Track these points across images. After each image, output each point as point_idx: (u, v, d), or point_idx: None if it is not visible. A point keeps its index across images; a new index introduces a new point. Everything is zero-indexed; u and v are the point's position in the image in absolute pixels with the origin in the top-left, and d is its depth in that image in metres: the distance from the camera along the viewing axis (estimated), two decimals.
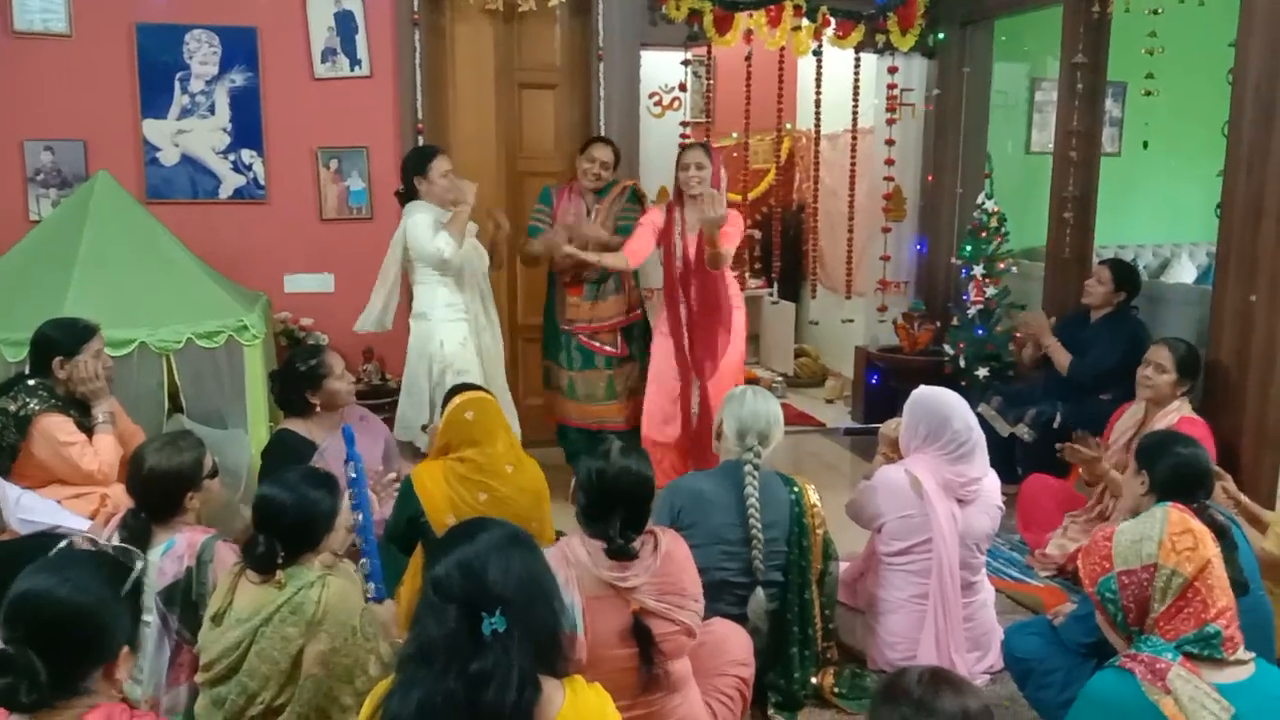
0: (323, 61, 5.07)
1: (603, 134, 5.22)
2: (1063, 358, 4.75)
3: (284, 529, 2.48)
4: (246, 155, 5.04)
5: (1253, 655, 2.05)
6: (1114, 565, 2.08)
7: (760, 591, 2.98)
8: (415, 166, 4.33)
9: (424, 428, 4.10)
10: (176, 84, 4.93)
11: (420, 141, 5.17)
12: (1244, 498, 3.41)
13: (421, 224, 4.20)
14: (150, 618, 2.69)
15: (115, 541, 2.74)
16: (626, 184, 4.95)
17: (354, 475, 2.59)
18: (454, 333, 4.24)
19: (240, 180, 5.06)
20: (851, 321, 6.31)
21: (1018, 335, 5.23)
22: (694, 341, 4.54)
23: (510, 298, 5.56)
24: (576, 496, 2.54)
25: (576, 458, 5.02)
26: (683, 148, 4.89)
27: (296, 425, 3.70)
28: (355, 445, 3.11)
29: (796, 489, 3.09)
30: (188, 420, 3.87)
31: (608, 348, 4.80)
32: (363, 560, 2.54)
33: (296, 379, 3.70)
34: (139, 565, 2.09)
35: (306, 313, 5.08)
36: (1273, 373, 4.02)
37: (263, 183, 5.08)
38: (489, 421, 3.32)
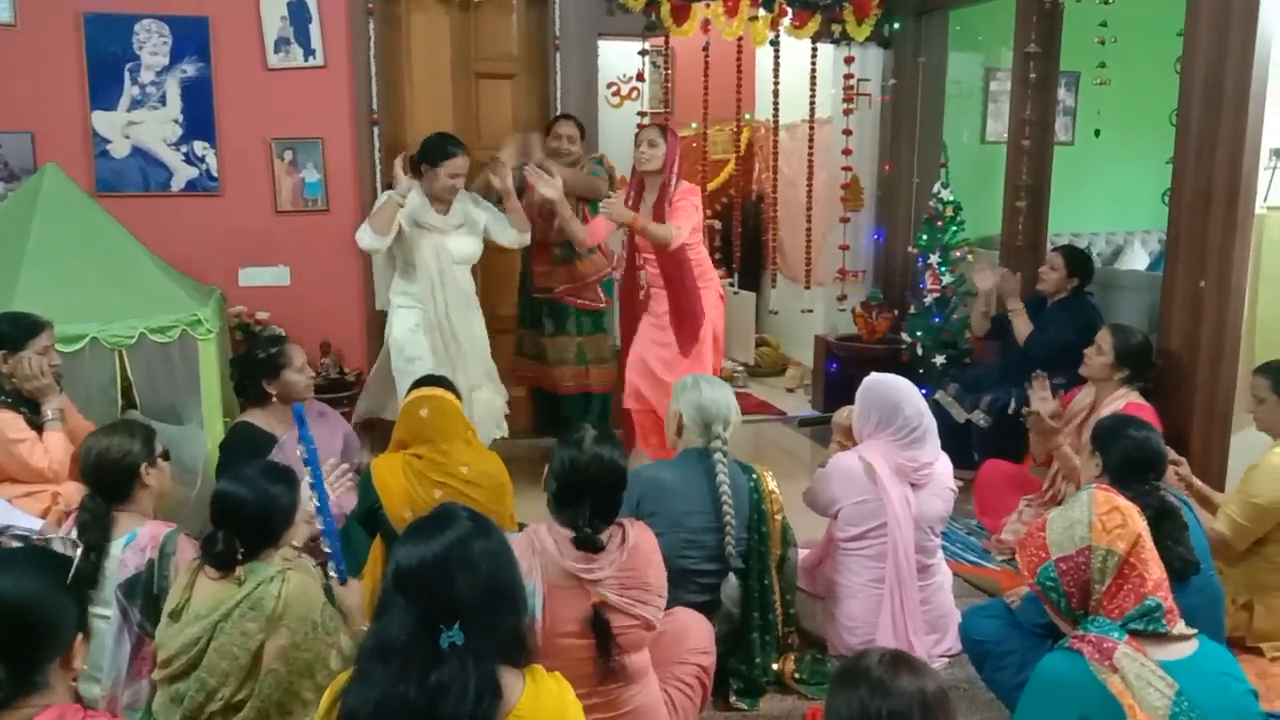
0: (276, 51, 5.03)
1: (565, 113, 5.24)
2: (1024, 326, 4.82)
3: (242, 524, 2.48)
4: (199, 147, 5.00)
5: (1195, 632, 2.11)
6: (1050, 553, 2.14)
7: (733, 577, 3.02)
8: (428, 154, 4.31)
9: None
10: (126, 75, 4.87)
11: (376, 133, 5.15)
12: (1195, 480, 3.50)
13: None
14: (110, 611, 2.68)
15: (73, 534, 2.73)
16: (589, 158, 5.03)
17: (307, 458, 2.59)
18: (403, 319, 4.32)
19: (193, 172, 5.01)
20: (811, 311, 6.37)
21: (972, 282, 5.22)
22: (672, 318, 4.48)
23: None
24: (548, 483, 2.56)
25: (551, 421, 5.23)
26: (641, 126, 4.95)
27: (256, 417, 3.69)
28: (306, 426, 3.10)
29: (754, 476, 3.13)
30: (142, 417, 3.84)
31: (596, 303, 4.97)
32: (323, 539, 2.54)
33: (255, 366, 3.71)
34: (78, 553, 2.08)
35: (262, 306, 5.05)
36: (1221, 357, 4.12)
37: (216, 175, 5.03)
38: (444, 423, 3.31)
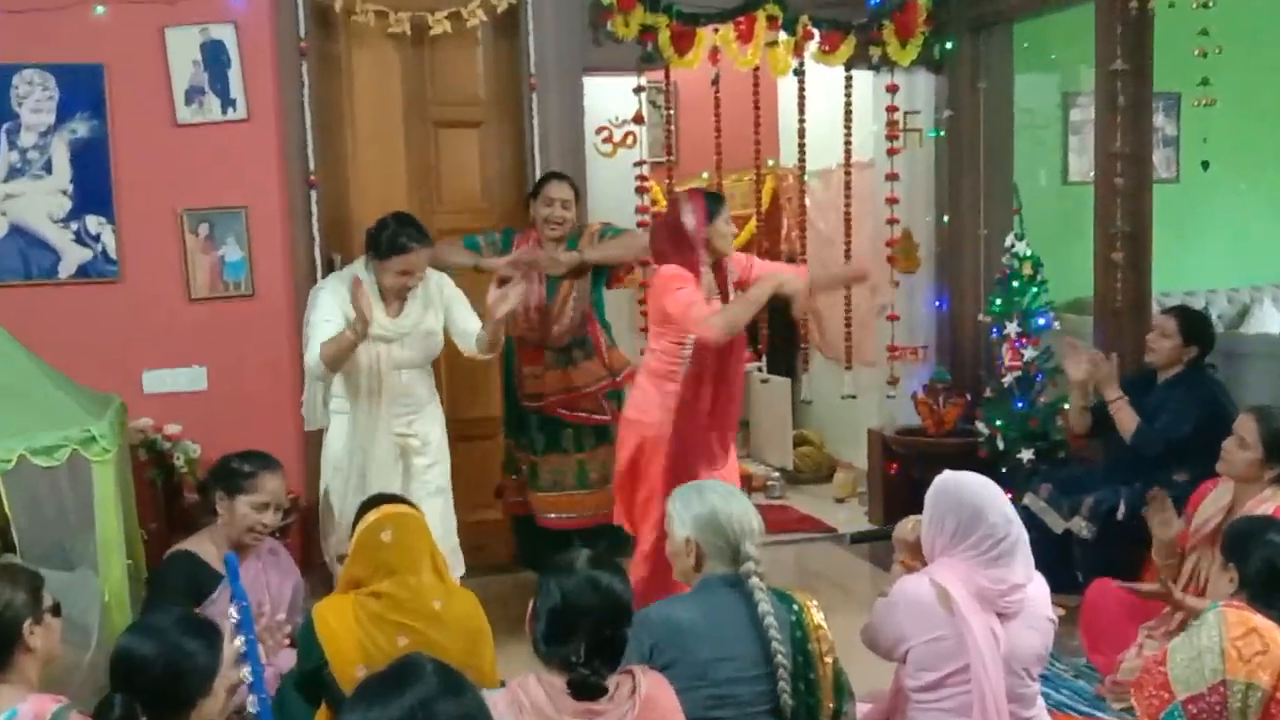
0: (187, 103, 5.14)
1: (539, 175, 5.31)
2: (1129, 420, 4.81)
3: (147, 689, 2.45)
4: (93, 223, 5.07)
5: None
6: (1175, 693, 2.11)
7: None
8: (375, 246, 4.31)
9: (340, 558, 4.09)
10: (3, 137, 4.98)
11: (313, 199, 5.23)
12: None
13: (322, 302, 4.27)
14: None
15: None
16: (595, 227, 5.08)
17: (238, 617, 2.58)
18: (337, 428, 4.38)
19: (85, 255, 5.08)
20: (854, 397, 6.39)
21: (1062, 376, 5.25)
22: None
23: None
24: (533, 622, 2.53)
25: (536, 562, 5.13)
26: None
27: (201, 547, 3.69)
28: (240, 580, 3.11)
29: (797, 607, 3.09)
30: (22, 561, 3.82)
31: (596, 416, 4.97)
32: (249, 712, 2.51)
33: (220, 474, 3.78)
34: None
35: (173, 418, 5.07)
36: None
37: (114, 256, 5.10)
38: (411, 543, 3.31)
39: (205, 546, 3.74)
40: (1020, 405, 5.53)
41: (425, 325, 4.39)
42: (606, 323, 5.15)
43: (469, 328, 4.48)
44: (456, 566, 4.42)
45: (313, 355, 4.20)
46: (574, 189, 5.03)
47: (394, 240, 4.28)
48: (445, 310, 4.48)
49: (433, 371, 4.57)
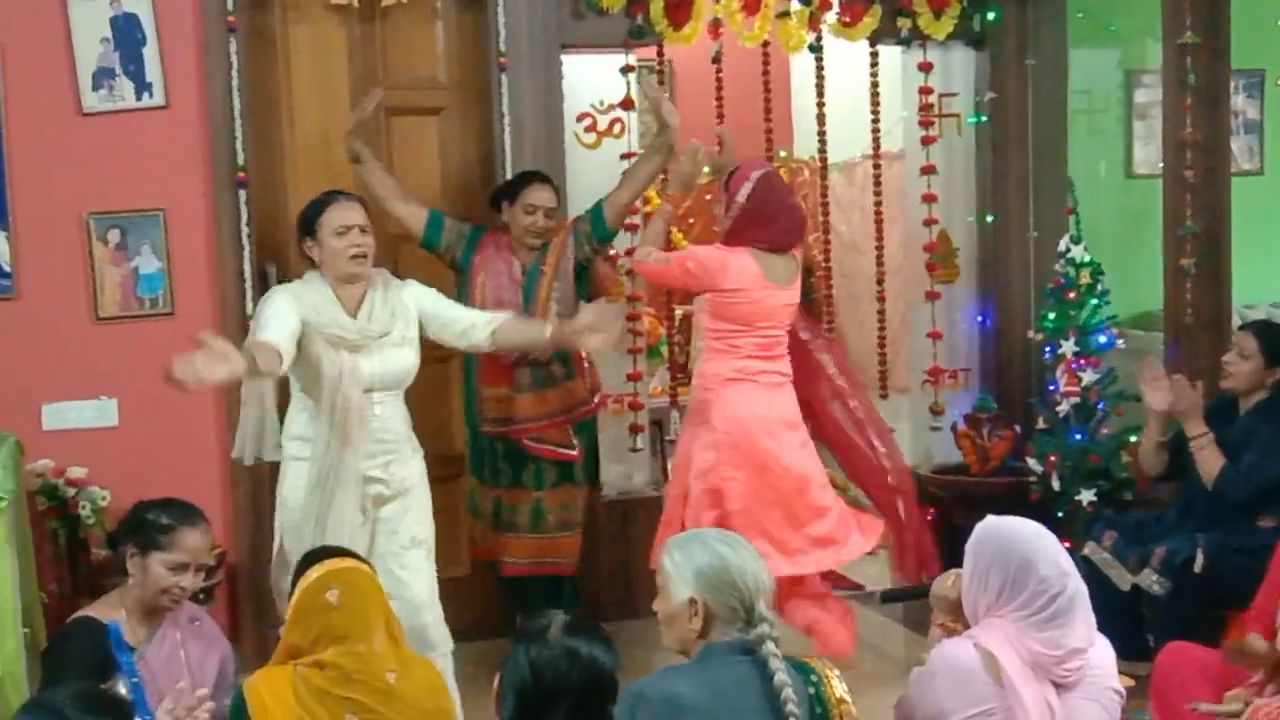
0: (95, 88, 5.14)
1: (511, 170, 5.38)
2: (1213, 462, 4.80)
3: None
4: None
5: None
6: None
7: None
8: (303, 221, 4.33)
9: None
10: None
11: (243, 200, 5.24)
12: None
13: (276, 300, 4.22)
14: None
15: None
16: (564, 226, 5.15)
17: (127, 694, 2.58)
18: (295, 475, 4.30)
19: None
20: (892, 431, 6.38)
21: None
22: None
23: None
24: (499, 702, 2.53)
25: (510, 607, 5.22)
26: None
27: (108, 612, 3.67)
28: (127, 652, 3.10)
29: (815, 678, 3.09)
30: None
31: (563, 450, 5.00)
32: None
33: (132, 525, 3.73)
34: None
35: (77, 458, 5.05)
36: None
37: (7, 269, 5.10)
38: (361, 604, 3.30)
39: (113, 612, 3.72)
40: (1078, 438, 5.54)
41: (396, 333, 4.31)
42: None
43: (465, 315, 4.45)
44: (440, 641, 4.36)
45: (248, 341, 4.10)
46: (557, 192, 5.08)
47: (319, 202, 4.29)
48: (423, 317, 4.39)
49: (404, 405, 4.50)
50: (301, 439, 4.30)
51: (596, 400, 5.18)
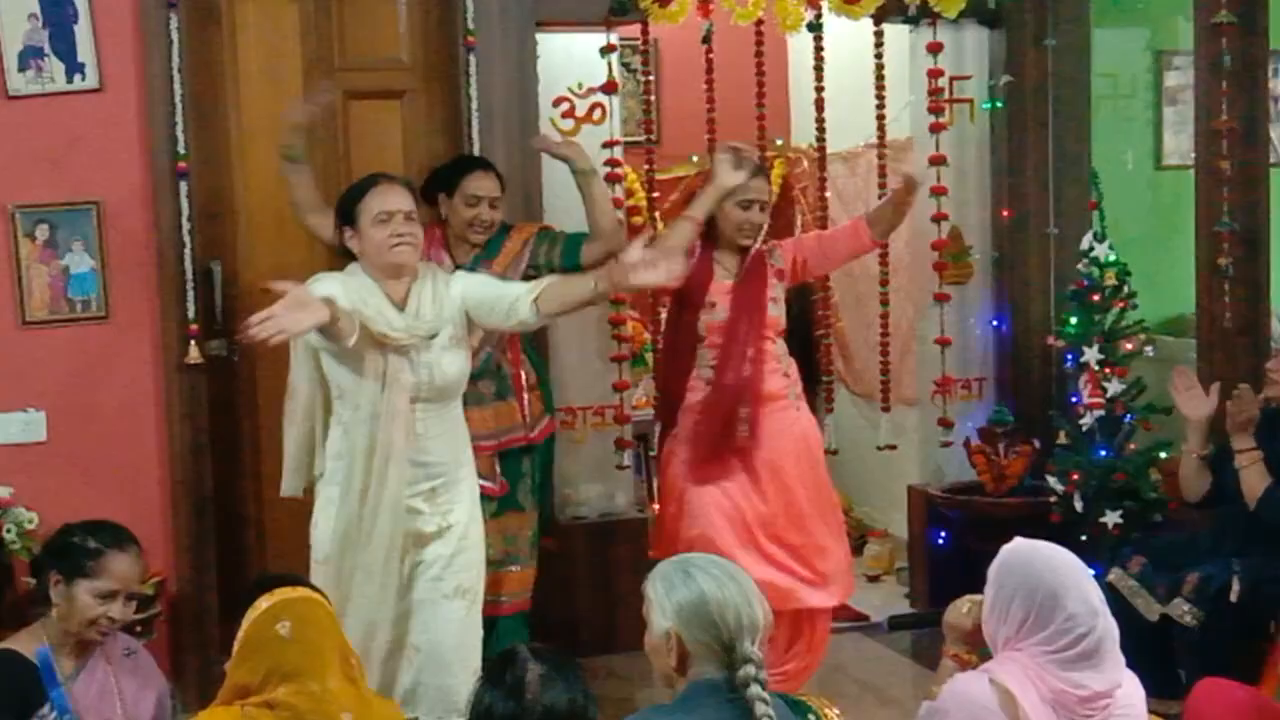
0: (21, 69, 5.11)
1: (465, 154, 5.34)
2: (1257, 480, 4.81)
3: None
4: None
5: None
6: None
7: None
8: (341, 207, 4.27)
9: None
10: None
11: (184, 192, 5.22)
12: None
13: (322, 290, 4.07)
14: None
15: None
16: (529, 231, 5.08)
17: None
18: (325, 503, 4.23)
19: None
20: (894, 448, 6.40)
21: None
22: None
23: None
24: None
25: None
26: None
27: (31, 645, 3.65)
28: (59, 685, 3.09)
29: (813, 717, 3.09)
30: None
31: (483, 482, 4.74)
32: None
33: (57, 551, 3.72)
34: None
35: (1, 477, 5.03)
36: None
37: None
38: (316, 638, 3.29)
39: (36, 644, 3.70)
40: (1103, 455, 5.53)
41: (445, 334, 4.18)
42: (534, 353, 5.19)
43: (509, 290, 4.26)
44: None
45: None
46: (500, 179, 5.00)
47: (359, 187, 4.21)
48: (472, 310, 4.25)
49: (461, 424, 4.36)
50: (336, 457, 4.24)
51: (536, 432, 5.03)
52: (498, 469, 4.92)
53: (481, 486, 4.70)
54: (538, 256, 4.99)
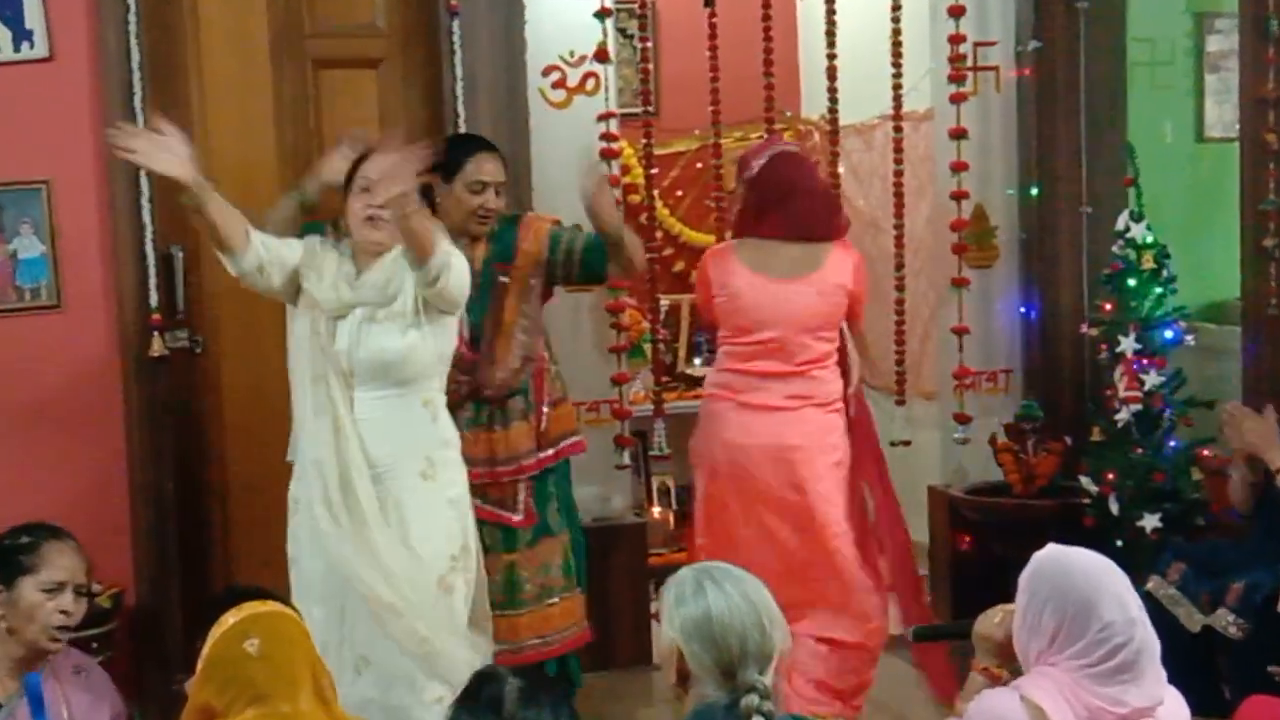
0: None
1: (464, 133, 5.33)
2: None
3: None
4: None
5: None
6: None
7: None
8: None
9: None
10: None
11: (143, 170, 5.19)
12: None
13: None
14: None
15: None
16: (543, 226, 5.03)
17: None
18: (304, 478, 4.22)
19: None
20: (908, 444, 6.40)
21: (1206, 455, 5.29)
22: None
23: None
24: None
25: None
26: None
27: None
28: (44, 711, 3.09)
29: None
30: None
31: (505, 513, 4.82)
32: None
33: None
34: None
35: None
36: None
37: None
38: (286, 656, 3.27)
39: None
40: (1140, 453, 5.53)
41: (391, 290, 4.10)
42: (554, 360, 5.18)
43: None
44: (483, 642, 4.28)
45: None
46: (505, 163, 4.94)
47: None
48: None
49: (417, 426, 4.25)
50: (300, 425, 4.27)
51: (540, 458, 4.93)
52: (521, 495, 4.88)
53: (504, 517, 4.79)
54: (555, 269, 4.95)
